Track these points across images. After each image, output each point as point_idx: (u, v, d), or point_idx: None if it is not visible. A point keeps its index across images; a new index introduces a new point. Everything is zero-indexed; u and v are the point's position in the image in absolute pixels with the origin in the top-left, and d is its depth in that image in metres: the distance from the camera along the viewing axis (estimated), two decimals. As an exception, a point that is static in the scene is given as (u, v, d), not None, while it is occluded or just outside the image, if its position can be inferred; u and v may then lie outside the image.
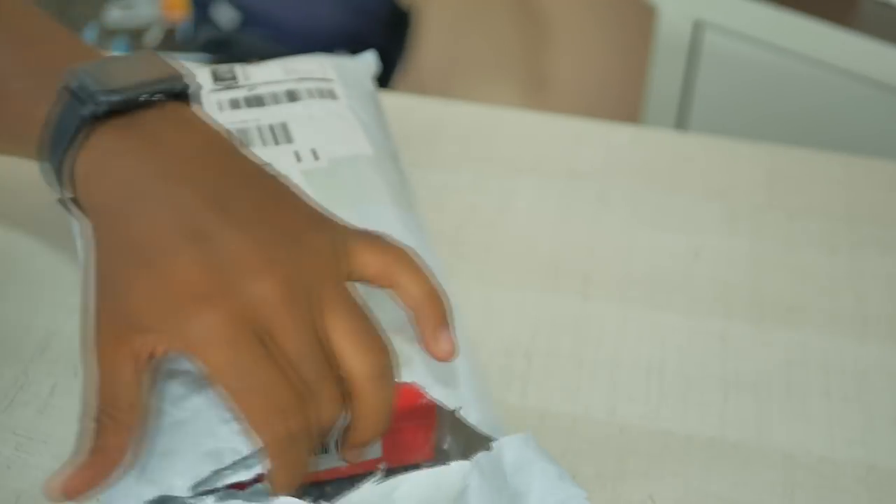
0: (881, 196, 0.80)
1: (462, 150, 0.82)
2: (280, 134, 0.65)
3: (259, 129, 0.65)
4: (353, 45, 1.69)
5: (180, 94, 0.51)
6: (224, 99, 0.68)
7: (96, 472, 0.46)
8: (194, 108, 0.51)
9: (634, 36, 1.76)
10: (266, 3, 1.75)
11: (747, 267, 0.74)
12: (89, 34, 2.04)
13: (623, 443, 0.63)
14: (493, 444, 0.54)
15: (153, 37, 2.01)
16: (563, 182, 0.81)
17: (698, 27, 1.20)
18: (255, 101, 0.68)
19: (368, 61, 0.76)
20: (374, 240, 0.51)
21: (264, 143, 0.65)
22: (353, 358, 0.46)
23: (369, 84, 0.75)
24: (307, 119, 0.67)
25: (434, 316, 0.51)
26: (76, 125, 0.48)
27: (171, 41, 1.98)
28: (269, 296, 0.44)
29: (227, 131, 0.51)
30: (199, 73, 0.68)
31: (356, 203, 0.62)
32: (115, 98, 0.48)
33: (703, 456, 0.62)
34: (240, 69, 0.71)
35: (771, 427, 0.64)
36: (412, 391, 0.54)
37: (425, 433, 0.55)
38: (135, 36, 2.04)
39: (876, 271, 0.74)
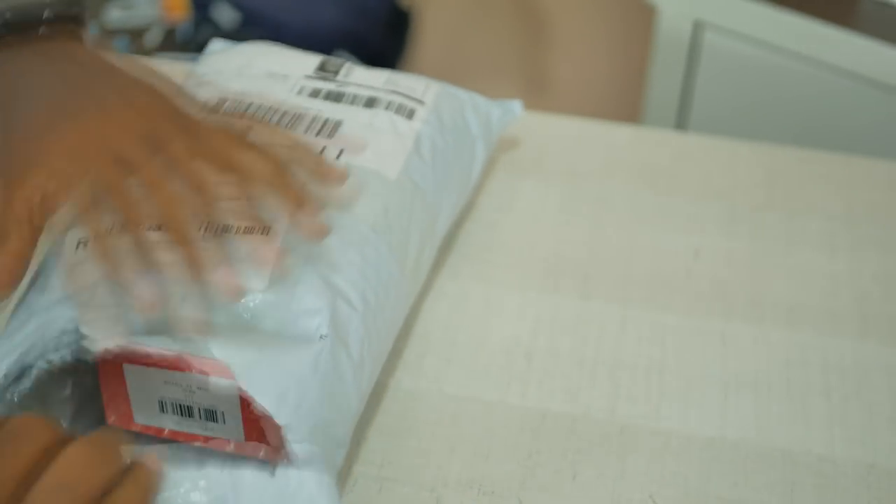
0: (880, 196, 0.81)
1: (462, 151, 0.82)
2: (327, 129, 0.66)
3: (313, 119, 0.66)
4: (353, 46, 1.70)
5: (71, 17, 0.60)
6: (309, 86, 0.70)
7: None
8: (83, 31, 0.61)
9: (634, 36, 1.76)
10: (266, 4, 1.75)
11: (747, 267, 0.74)
12: (89, 34, 2.04)
13: (623, 442, 0.63)
14: (283, 472, 0.52)
15: (153, 37, 2.01)
16: (563, 182, 0.81)
17: (698, 27, 1.20)
18: (333, 97, 0.69)
19: (510, 110, 0.77)
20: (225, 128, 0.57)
21: (308, 130, 0.65)
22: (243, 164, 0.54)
23: (482, 130, 0.74)
24: (364, 126, 0.67)
25: (287, 191, 0.54)
26: None
27: (172, 41, 1.98)
28: (130, 150, 0.54)
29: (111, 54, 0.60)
30: (308, 60, 0.72)
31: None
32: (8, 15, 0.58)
33: (703, 455, 0.63)
34: (347, 67, 0.72)
35: (771, 426, 0.64)
36: None
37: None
38: (135, 36, 2.04)
39: (875, 271, 0.74)
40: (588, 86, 1.89)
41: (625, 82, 1.83)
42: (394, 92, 0.70)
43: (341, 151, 0.65)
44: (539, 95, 1.87)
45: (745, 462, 0.62)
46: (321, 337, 0.55)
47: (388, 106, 0.69)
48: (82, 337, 0.52)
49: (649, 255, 0.75)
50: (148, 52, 1.96)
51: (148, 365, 0.53)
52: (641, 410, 0.65)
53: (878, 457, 0.63)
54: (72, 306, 0.53)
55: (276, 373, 0.52)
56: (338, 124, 0.67)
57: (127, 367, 0.54)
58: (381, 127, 0.68)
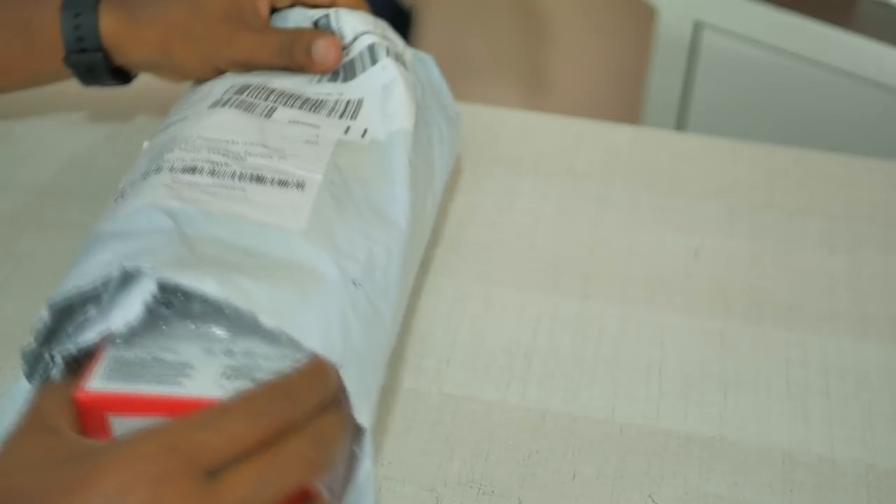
0: (880, 196, 0.81)
1: (462, 150, 0.83)
2: (351, 110, 0.67)
3: (336, 103, 0.67)
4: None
5: None
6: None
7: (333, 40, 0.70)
8: None
9: (634, 36, 1.77)
10: (266, 4, 1.75)
11: (747, 267, 0.75)
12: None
13: (623, 442, 0.63)
14: None
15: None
16: (563, 182, 0.81)
17: (698, 28, 1.20)
18: (349, 73, 0.69)
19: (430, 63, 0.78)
20: None
21: (331, 113, 0.66)
22: None
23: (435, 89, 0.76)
24: (378, 90, 0.68)
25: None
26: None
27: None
28: None
29: None
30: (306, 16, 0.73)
31: (365, 169, 0.63)
32: None
33: (702, 455, 0.63)
34: (333, 15, 0.72)
35: (770, 426, 0.64)
36: None
37: None
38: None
39: (875, 271, 0.75)
40: (588, 86, 1.89)
41: (625, 82, 1.83)
42: (383, 37, 0.71)
43: (365, 131, 0.66)
44: (539, 95, 1.87)
45: (744, 462, 0.62)
46: (355, 284, 0.56)
47: (388, 53, 0.70)
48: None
49: (649, 255, 0.75)
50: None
51: (136, 412, 0.49)
52: (641, 410, 0.65)
53: (878, 457, 0.63)
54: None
55: (320, 315, 0.53)
56: (360, 102, 0.67)
57: (113, 419, 0.49)
58: (391, 81, 0.68)
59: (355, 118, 0.66)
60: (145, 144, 0.65)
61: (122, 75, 0.73)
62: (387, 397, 0.65)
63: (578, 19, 1.97)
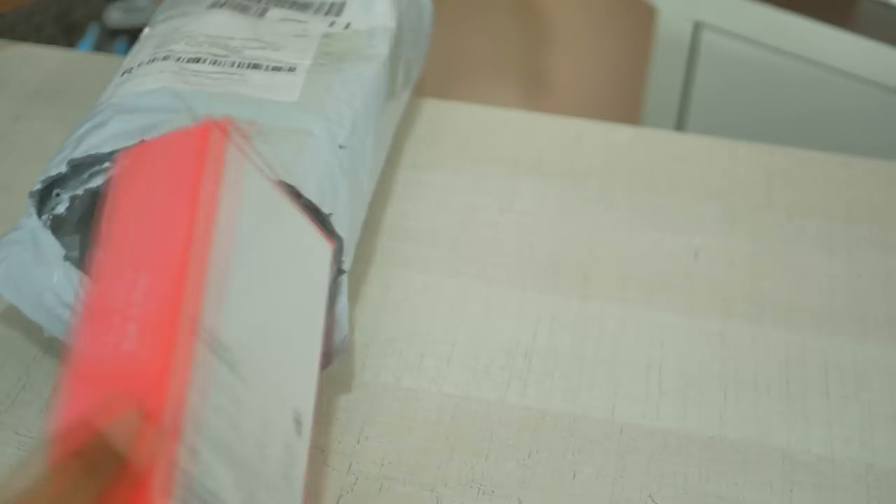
0: (880, 196, 0.81)
1: (462, 150, 0.83)
2: (335, 9, 0.75)
3: (321, 3, 0.75)
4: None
5: None
6: None
7: None
8: None
9: (634, 36, 1.77)
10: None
11: (747, 267, 0.75)
12: (90, 35, 2.04)
13: (623, 442, 0.63)
14: None
15: None
16: (563, 182, 0.81)
17: (698, 28, 1.20)
18: None
19: None
20: None
21: (317, 11, 0.75)
22: None
23: None
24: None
25: None
26: None
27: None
28: None
29: None
30: None
31: (349, 57, 0.71)
32: None
33: (702, 455, 0.63)
34: None
35: (770, 426, 0.64)
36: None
37: None
38: (136, 37, 2.04)
39: (875, 271, 0.75)
40: (588, 86, 1.89)
41: (625, 82, 1.83)
42: None
43: (348, 24, 0.74)
44: (539, 95, 1.87)
45: (744, 461, 0.62)
46: (341, 147, 0.65)
47: None
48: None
49: (649, 255, 0.75)
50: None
51: None
52: (641, 410, 0.65)
53: (878, 456, 0.63)
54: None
55: (314, 170, 0.62)
56: (343, 4, 0.75)
57: None
58: None
59: (339, 15, 0.74)
60: (146, 31, 0.73)
61: None
62: (387, 397, 0.65)
63: (578, 19, 1.97)
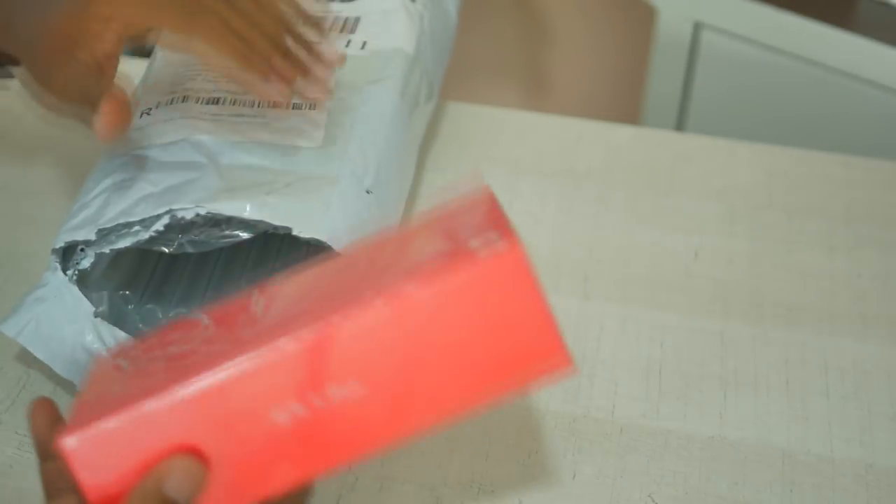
0: (880, 196, 0.81)
1: (462, 150, 0.83)
2: (349, 25, 0.73)
3: (336, 19, 0.74)
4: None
5: None
6: None
7: (116, 109, 0.55)
8: None
9: (634, 36, 1.76)
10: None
11: (747, 267, 0.75)
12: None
13: (623, 442, 0.63)
14: None
15: (154, 36, 2.01)
16: (563, 182, 0.81)
17: (698, 28, 1.20)
18: None
19: None
20: None
21: (331, 28, 0.73)
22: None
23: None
24: (378, 14, 0.74)
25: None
26: None
27: (172, 41, 1.99)
28: None
29: None
30: None
31: (367, 83, 0.70)
32: None
33: (702, 455, 0.63)
34: None
35: (770, 426, 0.64)
36: None
37: None
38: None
39: (875, 271, 0.75)
40: (588, 86, 1.89)
41: (624, 82, 1.83)
42: None
43: (364, 43, 0.72)
44: (539, 95, 1.87)
45: (744, 461, 0.62)
46: (368, 192, 0.63)
47: None
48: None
49: (649, 255, 0.75)
50: (147, 51, 1.96)
51: None
52: (641, 410, 0.65)
53: (877, 456, 0.63)
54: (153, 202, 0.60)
55: (343, 221, 0.61)
56: (357, 20, 0.73)
57: None
58: (392, 7, 0.74)
59: (353, 32, 0.73)
60: (158, 52, 0.72)
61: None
62: (387, 397, 0.65)
63: (578, 19, 1.97)
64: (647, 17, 1.53)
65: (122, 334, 0.61)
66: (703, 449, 0.63)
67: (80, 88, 0.54)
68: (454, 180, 0.80)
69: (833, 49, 1.11)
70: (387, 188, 0.66)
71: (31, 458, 0.60)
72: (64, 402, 0.63)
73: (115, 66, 0.56)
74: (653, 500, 0.60)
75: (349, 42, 0.72)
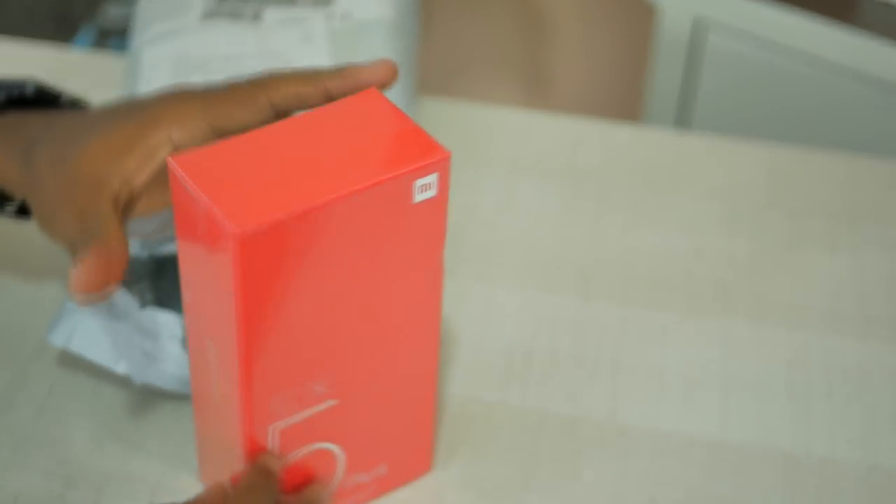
0: (882, 195, 0.80)
1: (462, 150, 0.82)
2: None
3: None
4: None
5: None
6: None
7: (102, 266, 0.50)
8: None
9: (635, 35, 1.76)
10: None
11: (747, 267, 0.74)
12: (88, 33, 2.04)
13: (624, 444, 0.63)
14: None
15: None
16: (563, 182, 0.80)
17: (699, 25, 1.20)
18: None
19: None
20: None
21: (307, 2, 0.74)
22: None
23: None
24: None
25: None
26: None
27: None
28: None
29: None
30: None
31: (363, 57, 0.70)
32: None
33: (704, 457, 0.62)
34: None
35: (772, 428, 0.64)
36: None
37: None
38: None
39: (877, 271, 0.74)
40: (588, 85, 1.89)
41: (625, 81, 1.83)
42: None
43: (345, 14, 0.73)
44: (539, 95, 1.87)
45: (746, 463, 0.62)
46: None
47: None
48: None
49: (649, 255, 0.75)
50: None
51: None
52: (642, 411, 0.65)
53: (880, 458, 0.63)
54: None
55: None
56: None
57: None
58: None
59: (330, 4, 0.73)
60: (144, 49, 0.72)
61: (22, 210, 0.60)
62: (386, 398, 0.65)
63: (578, 18, 1.97)
64: (648, 15, 1.53)
65: (165, 319, 0.61)
66: (705, 451, 0.63)
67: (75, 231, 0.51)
68: (454, 181, 0.80)
69: (835, 47, 1.11)
70: None
71: (26, 460, 0.60)
72: (61, 403, 0.63)
73: (120, 221, 0.52)
74: (654, 503, 0.60)
75: (330, 15, 0.73)
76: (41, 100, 0.60)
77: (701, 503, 0.60)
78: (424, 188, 0.49)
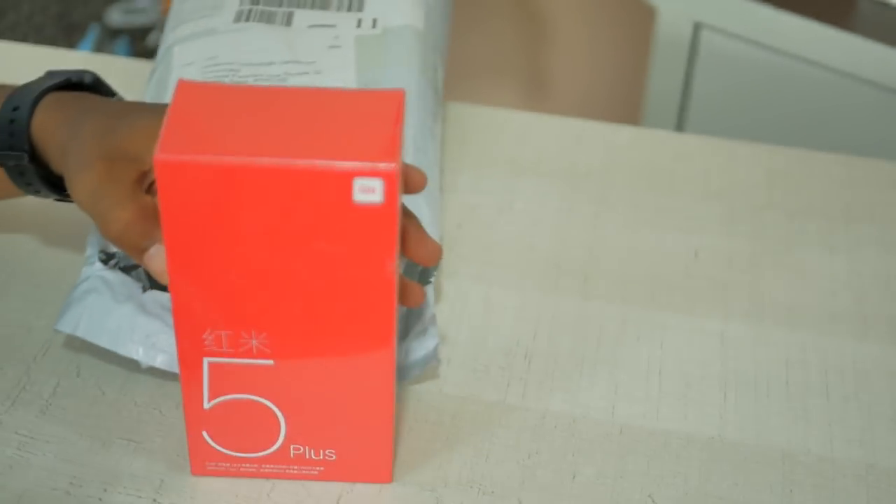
0: (880, 196, 0.81)
1: (462, 150, 0.83)
2: (356, 2, 0.74)
3: None
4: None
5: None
6: None
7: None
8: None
9: (635, 38, 1.77)
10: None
11: (746, 267, 0.75)
12: (91, 36, 2.04)
13: (623, 442, 0.63)
14: None
15: (155, 38, 2.01)
16: (563, 182, 0.81)
17: (698, 28, 1.20)
18: None
19: None
20: None
21: (339, 7, 0.74)
22: None
23: None
24: None
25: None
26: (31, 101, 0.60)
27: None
28: None
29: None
30: None
31: (389, 65, 0.71)
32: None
33: (702, 455, 0.63)
34: None
35: (770, 427, 0.64)
36: None
37: None
38: (136, 37, 2.04)
39: (875, 271, 0.75)
40: (588, 86, 1.89)
41: (625, 82, 1.83)
42: None
43: (375, 21, 0.73)
44: (539, 95, 1.87)
45: (744, 462, 0.62)
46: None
47: None
48: None
49: (649, 255, 0.75)
50: (150, 53, 1.96)
51: None
52: (641, 410, 0.65)
53: (878, 457, 0.63)
54: None
55: None
56: None
57: None
58: None
59: (361, 9, 0.74)
60: (174, 48, 0.72)
61: (63, 188, 0.61)
62: (387, 397, 0.65)
63: (578, 19, 1.97)
64: (648, 17, 1.53)
65: (167, 299, 0.63)
66: (703, 449, 0.63)
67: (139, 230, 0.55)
68: (454, 181, 0.80)
69: (833, 49, 1.11)
70: (422, 165, 0.68)
71: (31, 459, 0.60)
72: (65, 402, 0.63)
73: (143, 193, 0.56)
74: (653, 501, 0.60)
75: (360, 21, 0.73)
76: (96, 89, 0.63)
77: (699, 502, 0.60)
78: (366, 190, 0.49)
